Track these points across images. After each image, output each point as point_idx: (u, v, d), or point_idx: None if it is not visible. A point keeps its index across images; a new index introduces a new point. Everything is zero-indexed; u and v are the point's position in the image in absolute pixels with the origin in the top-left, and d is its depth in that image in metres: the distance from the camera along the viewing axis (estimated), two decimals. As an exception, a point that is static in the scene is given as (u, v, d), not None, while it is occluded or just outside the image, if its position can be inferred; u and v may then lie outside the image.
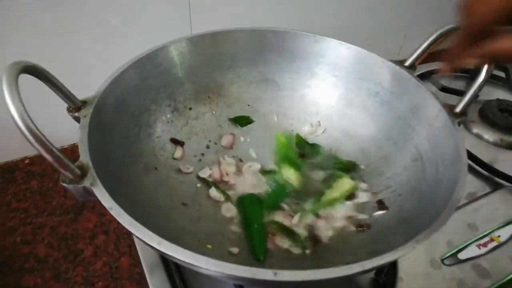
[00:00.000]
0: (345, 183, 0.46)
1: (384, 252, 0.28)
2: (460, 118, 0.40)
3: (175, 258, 0.27)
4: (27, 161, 0.64)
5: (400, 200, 0.41)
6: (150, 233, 0.28)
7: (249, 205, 0.46)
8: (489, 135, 0.63)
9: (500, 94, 0.73)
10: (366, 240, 0.40)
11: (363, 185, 0.47)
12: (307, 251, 0.41)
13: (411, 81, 0.44)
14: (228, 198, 0.46)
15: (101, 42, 0.58)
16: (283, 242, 0.42)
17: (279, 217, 0.44)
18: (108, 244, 0.54)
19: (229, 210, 0.45)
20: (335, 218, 0.44)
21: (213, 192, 0.47)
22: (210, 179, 0.48)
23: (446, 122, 0.39)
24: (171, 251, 0.27)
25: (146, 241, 0.28)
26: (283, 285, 0.28)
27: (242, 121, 0.53)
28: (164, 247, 0.27)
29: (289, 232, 0.42)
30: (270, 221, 0.44)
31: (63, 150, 0.62)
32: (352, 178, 0.47)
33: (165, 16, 0.60)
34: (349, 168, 0.48)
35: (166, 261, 0.45)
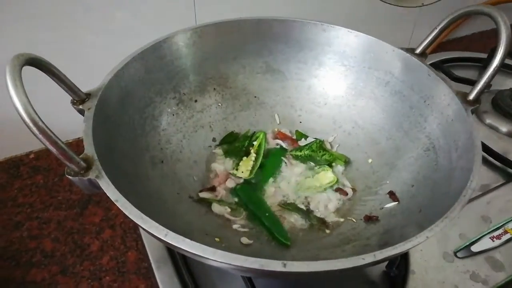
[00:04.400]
0: (326, 177, 0.47)
1: (396, 242, 0.27)
2: (473, 106, 0.38)
3: (183, 250, 0.27)
4: (32, 156, 0.63)
5: (413, 191, 0.40)
6: (157, 224, 0.27)
7: (247, 197, 0.45)
8: (503, 126, 0.62)
9: (512, 84, 0.72)
10: (378, 231, 0.39)
11: (346, 182, 0.48)
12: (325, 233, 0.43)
13: (423, 69, 0.43)
14: (234, 210, 0.45)
15: (104, 35, 0.57)
16: (296, 221, 0.44)
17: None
18: (115, 239, 0.53)
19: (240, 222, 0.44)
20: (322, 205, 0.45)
21: (216, 207, 0.44)
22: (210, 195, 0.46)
23: (459, 110, 0.38)
24: (178, 242, 0.27)
25: (153, 232, 0.27)
26: (293, 276, 0.27)
27: (229, 139, 0.51)
28: (171, 238, 0.27)
29: (303, 212, 0.44)
30: (283, 204, 0.45)
31: (66, 145, 0.62)
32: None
33: (169, 8, 0.60)
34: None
35: (173, 255, 0.44)
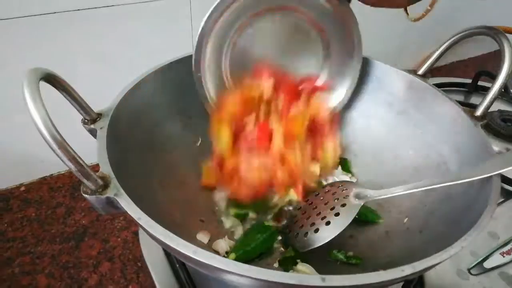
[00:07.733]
0: None
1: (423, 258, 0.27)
2: (482, 121, 0.40)
3: (212, 267, 0.25)
4: (22, 188, 0.60)
5: (428, 208, 0.40)
6: (185, 242, 0.26)
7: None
8: (495, 145, 0.63)
9: (500, 106, 0.74)
10: (398, 250, 0.38)
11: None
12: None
13: (427, 88, 0.44)
14: None
15: (99, 63, 0.56)
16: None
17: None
18: (114, 272, 0.50)
19: None
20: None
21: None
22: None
23: (468, 125, 0.39)
24: (208, 260, 0.25)
25: (181, 250, 0.26)
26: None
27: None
28: (201, 255, 0.25)
29: None
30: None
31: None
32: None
33: (167, 38, 0.60)
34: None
35: (182, 285, 0.42)
